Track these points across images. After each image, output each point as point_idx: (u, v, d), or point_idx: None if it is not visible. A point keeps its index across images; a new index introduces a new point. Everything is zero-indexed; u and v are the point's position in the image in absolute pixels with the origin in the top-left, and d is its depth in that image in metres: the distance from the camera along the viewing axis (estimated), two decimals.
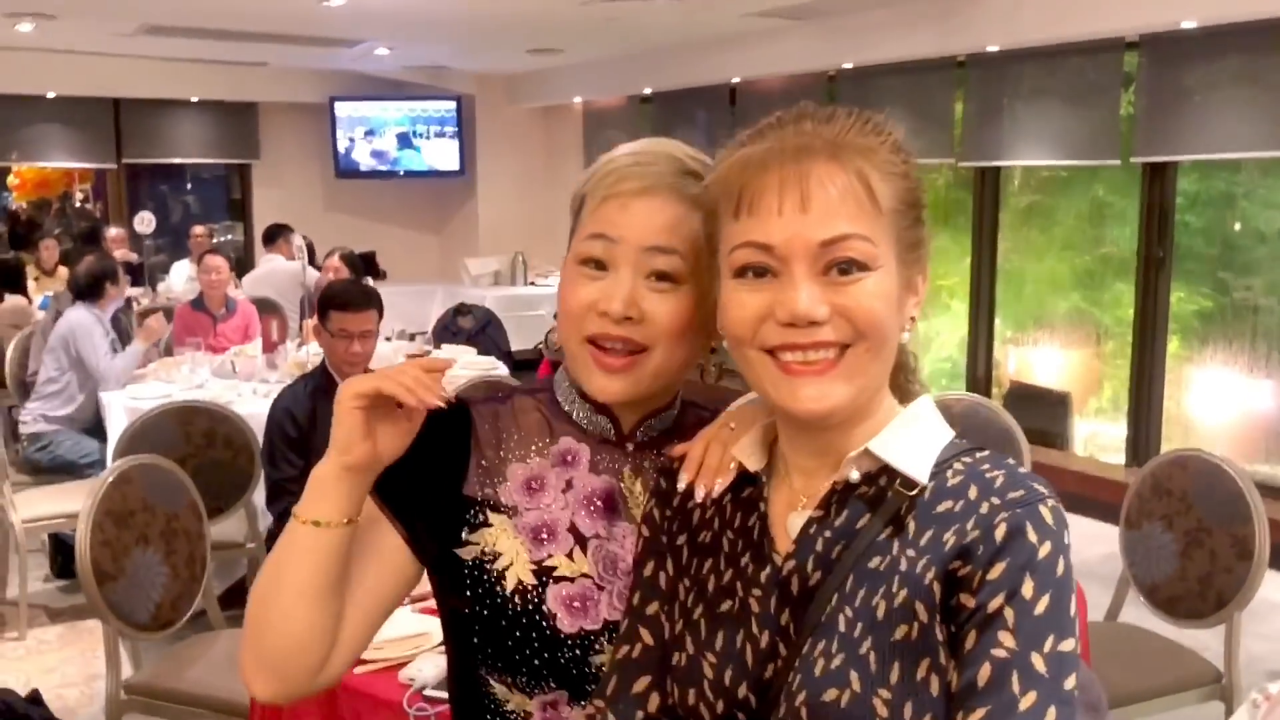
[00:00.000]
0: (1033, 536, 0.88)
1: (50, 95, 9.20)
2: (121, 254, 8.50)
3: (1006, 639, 0.86)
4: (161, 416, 3.92)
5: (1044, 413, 6.52)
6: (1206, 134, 5.28)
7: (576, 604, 1.12)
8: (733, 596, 1.01)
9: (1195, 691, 2.92)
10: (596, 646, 1.12)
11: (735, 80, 7.98)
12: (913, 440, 0.96)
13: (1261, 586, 2.87)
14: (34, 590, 4.50)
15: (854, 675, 0.89)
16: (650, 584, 1.08)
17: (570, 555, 1.14)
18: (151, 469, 3.03)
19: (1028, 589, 0.86)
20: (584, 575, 1.13)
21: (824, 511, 0.98)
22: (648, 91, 8.90)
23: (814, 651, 0.92)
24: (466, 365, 5.35)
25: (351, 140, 10.18)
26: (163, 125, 9.86)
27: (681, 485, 1.07)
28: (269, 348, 5.51)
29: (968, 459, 0.95)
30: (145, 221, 8.61)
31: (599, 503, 1.17)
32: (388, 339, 5.52)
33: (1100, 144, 5.80)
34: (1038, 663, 0.85)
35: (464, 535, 1.15)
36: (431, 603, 2.32)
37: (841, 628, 0.92)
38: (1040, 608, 0.86)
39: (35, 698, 3.32)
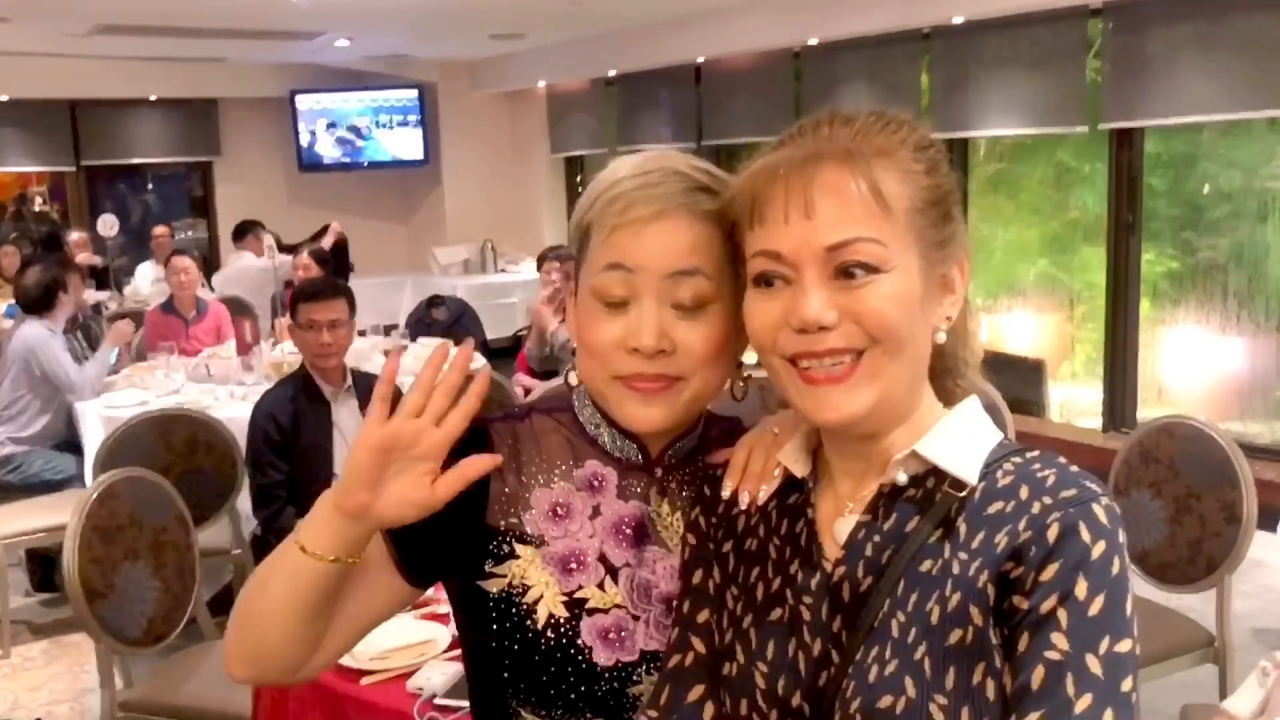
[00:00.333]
0: (1086, 536, 0.86)
1: (4, 99, 9.04)
2: (85, 258, 8.36)
3: (1060, 641, 0.84)
4: (141, 426, 3.87)
5: (1018, 380, 6.56)
6: (1172, 98, 5.31)
7: (612, 635, 1.09)
8: (782, 604, 0.99)
9: (1188, 656, 2.96)
10: (634, 678, 1.09)
11: (700, 60, 7.94)
12: (960, 441, 0.95)
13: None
14: (15, 606, 4.43)
15: (909, 681, 0.88)
16: (699, 591, 1.06)
17: (601, 586, 1.10)
18: (137, 482, 2.98)
19: (1081, 590, 0.85)
20: (617, 606, 1.10)
21: (872, 515, 0.97)
22: (612, 74, 8.85)
23: (867, 658, 0.91)
24: None
25: (313, 133, 10.08)
26: (121, 126, 9.72)
27: (726, 493, 1.06)
28: (243, 349, 5.45)
29: (1018, 459, 0.94)
30: (108, 224, 8.47)
31: (628, 530, 1.12)
32: (362, 333, 5.46)
33: (1068, 111, 5.81)
34: (1093, 664, 0.84)
35: (488, 568, 1.11)
36: (434, 609, 2.31)
37: (895, 633, 0.91)
38: (1094, 608, 0.85)
39: None
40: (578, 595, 1.09)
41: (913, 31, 6.39)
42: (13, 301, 7.12)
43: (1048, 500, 0.89)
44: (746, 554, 1.05)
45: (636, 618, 1.10)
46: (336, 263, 7.91)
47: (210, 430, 3.94)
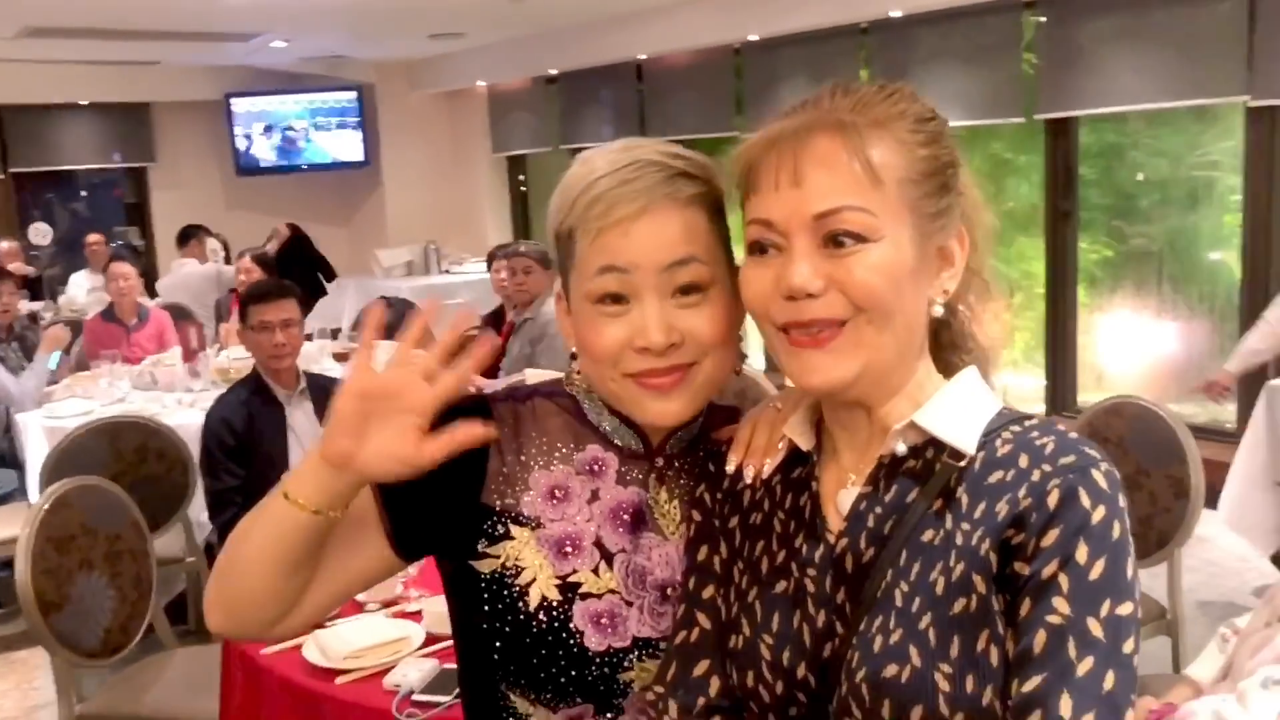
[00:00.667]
0: (1086, 501, 0.87)
1: None
2: (16, 267, 8.15)
3: (1061, 605, 0.86)
4: (89, 435, 3.79)
5: None
6: (1103, 89, 5.45)
7: (604, 620, 1.08)
8: (787, 577, 1.00)
9: (1142, 629, 3.03)
10: (625, 664, 1.08)
11: (641, 57, 7.95)
12: (958, 411, 0.96)
13: None
14: None
15: (913, 650, 0.90)
16: (704, 568, 1.07)
17: (596, 571, 1.09)
18: (89, 490, 2.93)
19: (1082, 554, 0.86)
20: (611, 591, 1.09)
21: (873, 487, 0.98)
22: (553, 72, 8.83)
23: (872, 628, 0.92)
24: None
25: (249, 137, 9.93)
26: (51, 131, 9.50)
27: (730, 467, 1.06)
28: (188, 356, 5.35)
29: (1016, 427, 0.95)
30: (41, 233, 8.30)
31: (626, 516, 1.12)
32: (309, 337, 5.40)
33: (1004, 102, 5.93)
34: (1094, 627, 0.85)
35: (481, 547, 1.09)
36: (404, 607, 2.31)
37: (898, 603, 0.92)
38: (1095, 572, 0.86)
39: None
40: (571, 579, 1.09)
41: (851, 26, 6.47)
42: None
43: (1047, 467, 0.90)
44: (751, 528, 1.06)
45: (630, 604, 1.09)
46: (312, 263, 7.80)
47: (160, 437, 3.87)
